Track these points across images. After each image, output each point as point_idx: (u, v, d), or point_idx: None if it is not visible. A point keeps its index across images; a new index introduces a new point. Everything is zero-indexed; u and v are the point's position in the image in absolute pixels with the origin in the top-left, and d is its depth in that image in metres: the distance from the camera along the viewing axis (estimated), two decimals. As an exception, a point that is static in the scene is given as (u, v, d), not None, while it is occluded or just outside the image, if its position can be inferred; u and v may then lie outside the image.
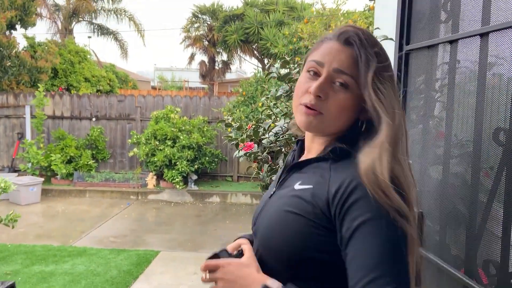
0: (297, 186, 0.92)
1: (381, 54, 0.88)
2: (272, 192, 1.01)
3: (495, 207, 1.00)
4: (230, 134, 2.54)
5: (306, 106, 0.89)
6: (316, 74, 0.90)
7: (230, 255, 0.95)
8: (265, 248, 0.92)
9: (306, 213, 0.86)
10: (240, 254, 0.95)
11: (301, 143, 1.06)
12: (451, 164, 1.16)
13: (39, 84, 8.35)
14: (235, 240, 1.09)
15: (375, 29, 1.89)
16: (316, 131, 0.93)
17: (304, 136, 1.06)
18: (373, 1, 6.56)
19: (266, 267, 0.90)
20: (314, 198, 0.86)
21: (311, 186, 0.89)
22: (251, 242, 1.05)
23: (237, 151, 2.35)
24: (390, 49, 2.04)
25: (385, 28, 2.15)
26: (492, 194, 1.00)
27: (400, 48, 1.29)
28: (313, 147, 0.98)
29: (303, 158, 1.02)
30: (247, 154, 2.36)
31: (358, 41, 0.86)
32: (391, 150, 0.82)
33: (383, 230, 0.77)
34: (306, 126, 0.91)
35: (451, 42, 1.12)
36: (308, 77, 0.91)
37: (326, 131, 0.92)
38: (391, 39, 1.77)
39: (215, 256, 0.95)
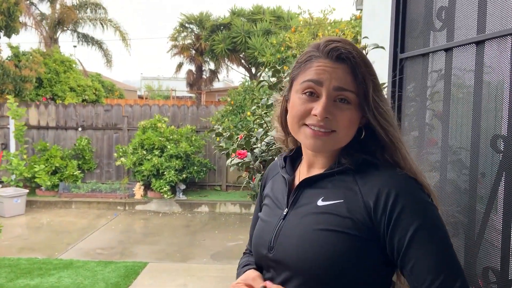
0: (320, 203, 0.90)
1: (373, 70, 0.91)
2: (284, 213, 0.96)
3: (493, 214, 1.00)
4: (220, 144, 2.52)
5: (314, 129, 0.89)
6: (313, 94, 0.89)
7: None
8: (301, 273, 0.87)
9: (346, 228, 0.85)
10: None
11: (290, 158, 1.05)
12: (448, 171, 1.16)
13: (8, 96, 8.18)
14: (242, 271, 1.04)
15: (363, 38, 1.90)
16: (328, 149, 0.93)
17: (290, 152, 1.06)
18: (359, 11, 6.66)
19: None
20: (350, 212, 0.86)
21: (341, 201, 0.88)
22: (258, 269, 1.01)
23: (230, 160, 2.33)
24: (379, 57, 2.05)
25: (374, 37, 2.17)
26: (490, 201, 1.00)
27: (394, 56, 1.29)
28: (317, 161, 0.97)
29: (304, 172, 1.00)
30: (239, 164, 2.34)
31: (352, 58, 0.87)
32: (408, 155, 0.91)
33: (436, 232, 0.82)
34: (318, 147, 0.91)
35: (446, 50, 1.13)
36: (304, 98, 0.90)
37: (337, 147, 0.93)
38: (382, 47, 1.78)
39: None
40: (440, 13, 1.15)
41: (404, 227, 0.82)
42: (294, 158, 1.05)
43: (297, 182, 0.99)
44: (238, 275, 1.06)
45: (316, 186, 0.94)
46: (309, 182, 0.95)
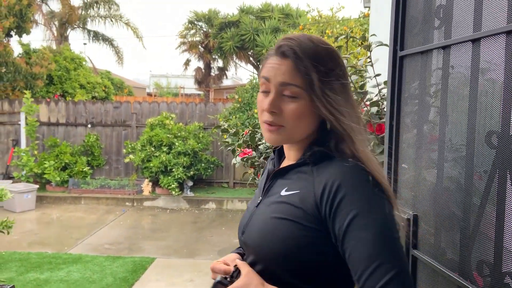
0: (283, 193, 0.95)
1: (322, 61, 0.92)
2: (258, 201, 1.03)
3: (488, 209, 1.02)
4: (226, 140, 2.55)
5: (267, 124, 0.94)
6: (266, 91, 0.95)
7: (229, 279, 0.95)
8: (261, 257, 0.93)
9: (297, 217, 0.89)
10: (236, 271, 0.95)
11: (278, 151, 1.10)
12: (445, 168, 1.18)
13: (25, 91, 8.31)
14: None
15: (371, 35, 1.92)
16: (283, 143, 0.99)
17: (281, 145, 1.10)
18: (367, 8, 6.64)
19: (267, 275, 0.91)
20: (303, 203, 0.89)
21: (298, 191, 0.92)
22: (241, 255, 1.07)
23: (234, 157, 2.36)
24: (384, 55, 2.07)
25: (381, 34, 2.18)
26: (485, 196, 1.02)
27: (394, 53, 1.31)
28: (291, 154, 1.02)
29: (284, 164, 1.05)
30: (244, 159, 2.37)
31: (293, 53, 0.91)
32: (357, 141, 0.90)
33: (373, 221, 0.81)
34: (272, 141, 0.96)
35: (444, 47, 1.14)
36: (261, 96, 0.97)
37: (292, 140, 0.97)
38: (386, 45, 1.79)
39: (217, 285, 0.95)
40: (439, 11, 1.17)
41: (343, 215, 0.82)
42: (282, 151, 1.10)
43: None
44: None
45: (286, 177, 0.99)
46: (281, 173, 1.01)
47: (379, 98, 1.85)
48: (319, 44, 0.94)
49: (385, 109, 1.99)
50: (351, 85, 1.92)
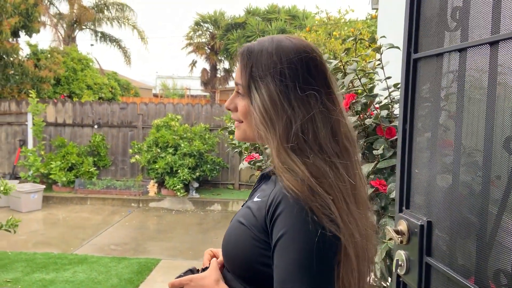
0: (255, 199, 0.95)
1: (267, 59, 0.90)
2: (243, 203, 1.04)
3: (506, 217, 0.99)
4: (233, 142, 2.53)
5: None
6: None
7: (200, 271, 1.02)
8: (224, 257, 0.96)
9: (251, 225, 0.89)
10: (208, 267, 1.01)
11: None
12: (460, 173, 1.15)
13: (30, 91, 8.35)
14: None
15: (381, 37, 1.89)
16: (244, 140, 1.00)
17: None
18: (375, 10, 6.61)
19: (228, 276, 0.95)
20: (258, 211, 0.89)
21: (260, 199, 0.92)
22: None
23: (241, 161, 2.34)
24: (394, 57, 2.04)
25: (390, 37, 2.15)
26: (502, 203, 0.99)
27: (408, 56, 1.28)
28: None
29: None
30: (251, 162, 2.35)
31: (240, 53, 0.95)
32: (288, 149, 0.85)
33: (298, 241, 0.79)
34: (235, 136, 1.01)
35: (460, 50, 1.11)
36: None
37: (249, 138, 0.98)
38: (397, 47, 1.77)
39: (187, 272, 1.03)
40: (455, 13, 1.14)
41: (277, 231, 0.82)
42: None
43: None
44: None
45: (266, 183, 0.99)
46: (266, 177, 1.01)
47: (389, 101, 1.82)
48: (280, 42, 0.92)
49: (394, 112, 1.96)
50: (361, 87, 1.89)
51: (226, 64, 17.10)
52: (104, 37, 16.46)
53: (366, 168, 1.58)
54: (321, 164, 0.85)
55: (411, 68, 1.29)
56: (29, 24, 9.07)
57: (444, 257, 1.17)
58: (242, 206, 1.02)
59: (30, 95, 8.07)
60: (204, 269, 1.02)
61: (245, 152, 2.46)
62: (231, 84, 19.90)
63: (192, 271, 1.03)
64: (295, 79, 0.88)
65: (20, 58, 9.35)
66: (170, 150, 7.87)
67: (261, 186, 1.00)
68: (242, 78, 0.94)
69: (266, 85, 0.89)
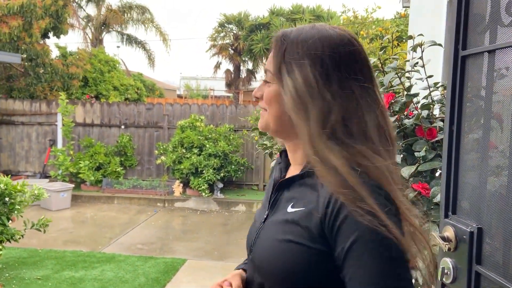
0: (289, 209, 0.86)
1: (302, 46, 0.85)
2: (265, 216, 0.94)
3: None
4: (264, 142, 2.50)
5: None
6: None
7: None
8: (268, 279, 0.86)
9: (303, 239, 0.80)
10: None
11: (285, 154, 0.99)
12: (500, 176, 1.08)
13: (60, 93, 8.55)
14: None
15: (418, 35, 1.82)
16: (265, 129, 0.93)
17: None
18: (405, 9, 6.47)
19: None
20: (308, 221, 0.80)
21: (303, 208, 0.83)
22: (245, 270, 1.01)
23: (272, 161, 2.30)
24: (428, 55, 1.96)
25: (423, 34, 2.07)
26: None
27: (455, 53, 1.22)
28: (296, 159, 0.93)
29: (290, 170, 0.96)
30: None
31: (274, 40, 0.90)
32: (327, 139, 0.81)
33: (373, 247, 0.73)
34: (259, 125, 0.95)
35: (515, 46, 1.05)
36: None
37: (268, 127, 0.92)
38: (439, 44, 1.70)
39: None
40: (509, 7, 1.08)
41: (344, 237, 0.75)
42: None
43: None
44: None
45: (291, 190, 0.90)
46: (286, 185, 0.91)
47: (430, 100, 1.75)
48: (323, 30, 0.87)
49: (434, 112, 1.89)
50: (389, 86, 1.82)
51: (249, 65, 17.10)
52: (130, 39, 16.75)
53: (408, 170, 1.51)
54: (369, 153, 0.80)
55: (458, 65, 1.22)
56: (59, 25, 9.30)
57: (497, 266, 1.11)
58: (264, 221, 0.93)
59: (60, 97, 8.26)
60: None
61: (276, 153, 2.42)
62: (255, 84, 19.90)
63: None
64: (339, 68, 0.83)
65: (49, 58, 9.61)
66: (195, 151, 7.91)
67: (285, 194, 0.91)
68: (272, 63, 0.89)
69: (301, 69, 0.83)
